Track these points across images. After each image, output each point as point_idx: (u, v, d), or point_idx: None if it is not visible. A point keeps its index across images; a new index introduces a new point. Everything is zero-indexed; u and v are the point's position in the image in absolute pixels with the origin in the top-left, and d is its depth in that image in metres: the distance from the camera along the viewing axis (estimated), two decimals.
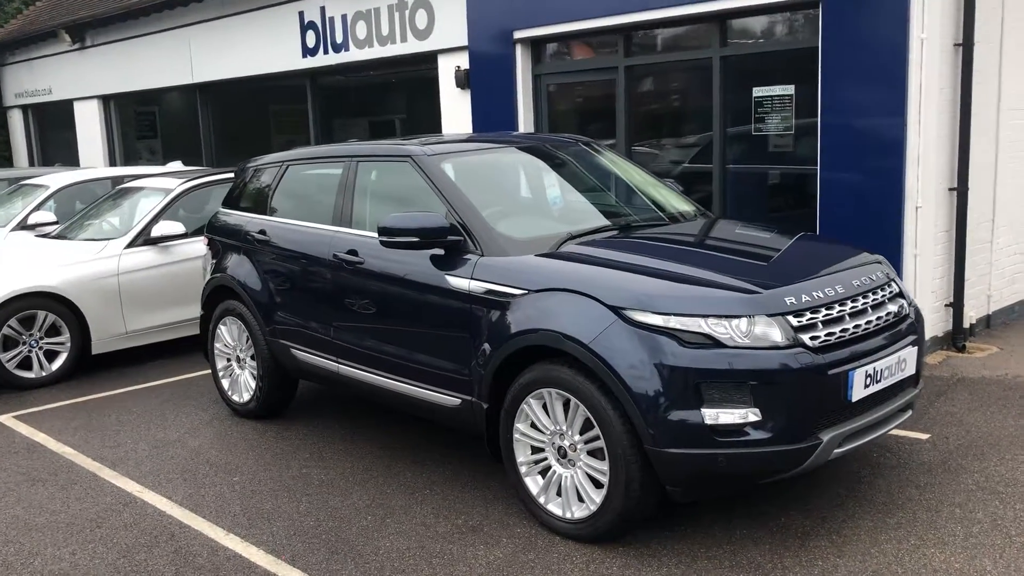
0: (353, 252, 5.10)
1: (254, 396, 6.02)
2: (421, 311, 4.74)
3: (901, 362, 4.16)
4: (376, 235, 4.95)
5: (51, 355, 7.31)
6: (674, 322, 3.78)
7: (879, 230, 6.63)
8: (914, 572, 3.72)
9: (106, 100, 15.99)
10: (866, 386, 3.94)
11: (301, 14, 11.32)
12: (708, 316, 3.78)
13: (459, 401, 4.57)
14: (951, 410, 5.62)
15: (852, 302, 4.06)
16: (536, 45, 9.06)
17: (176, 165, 11.44)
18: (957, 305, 7.00)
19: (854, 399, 3.89)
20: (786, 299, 3.87)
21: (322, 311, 5.35)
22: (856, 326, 4.00)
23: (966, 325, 7.09)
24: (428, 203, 4.85)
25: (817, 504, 4.38)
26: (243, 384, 6.13)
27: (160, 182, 8.44)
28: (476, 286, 4.42)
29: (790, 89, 7.35)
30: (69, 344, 7.35)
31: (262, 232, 5.86)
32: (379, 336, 5.00)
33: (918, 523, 4.14)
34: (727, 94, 7.79)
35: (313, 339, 5.47)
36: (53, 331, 7.30)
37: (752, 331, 3.75)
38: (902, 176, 6.57)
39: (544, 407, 4.17)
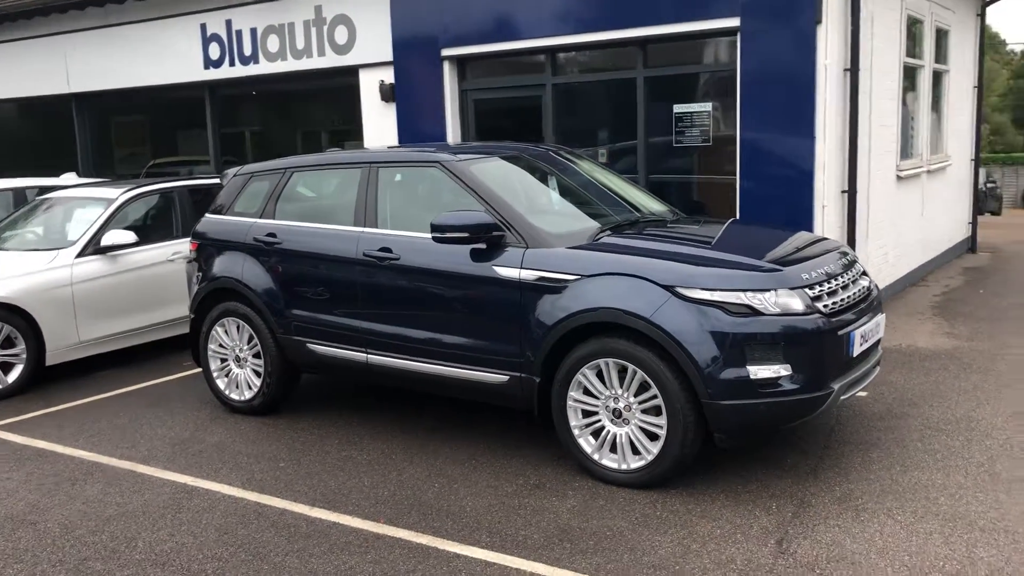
0: (386, 249, 5.56)
1: (259, 392, 6.29)
2: (465, 299, 5.28)
3: (877, 326, 5.16)
4: (411, 233, 5.53)
5: (6, 367, 7.18)
6: (719, 296, 4.57)
7: (795, 226, 7.74)
8: (911, 488, 4.68)
9: None
10: (860, 344, 4.90)
11: (203, 26, 11.36)
12: (747, 290, 4.59)
13: (507, 378, 5.15)
14: None
15: (841, 277, 5.01)
16: (462, 62, 9.69)
17: (70, 177, 11.15)
18: None
19: (854, 355, 4.84)
20: (802, 275, 4.76)
21: (348, 305, 5.75)
22: (848, 296, 4.95)
23: None
24: (457, 203, 5.41)
25: (808, 447, 5.30)
26: (244, 382, 6.38)
27: (97, 191, 8.38)
28: (527, 274, 5.03)
29: (707, 106, 8.40)
30: (25, 355, 7.24)
31: (271, 235, 6.16)
32: (416, 324, 5.49)
33: (895, 455, 5.15)
34: (650, 110, 8.75)
35: (335, 333, 5.85)
36: (7, 343, 7.18)
37: (779, 301, 4.60)
38: (812, 181, 7.74)
39: (599, 375, 4.84)
